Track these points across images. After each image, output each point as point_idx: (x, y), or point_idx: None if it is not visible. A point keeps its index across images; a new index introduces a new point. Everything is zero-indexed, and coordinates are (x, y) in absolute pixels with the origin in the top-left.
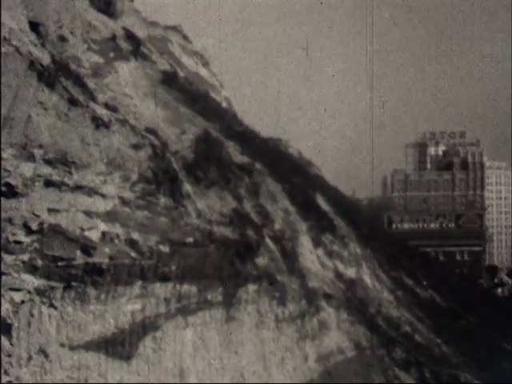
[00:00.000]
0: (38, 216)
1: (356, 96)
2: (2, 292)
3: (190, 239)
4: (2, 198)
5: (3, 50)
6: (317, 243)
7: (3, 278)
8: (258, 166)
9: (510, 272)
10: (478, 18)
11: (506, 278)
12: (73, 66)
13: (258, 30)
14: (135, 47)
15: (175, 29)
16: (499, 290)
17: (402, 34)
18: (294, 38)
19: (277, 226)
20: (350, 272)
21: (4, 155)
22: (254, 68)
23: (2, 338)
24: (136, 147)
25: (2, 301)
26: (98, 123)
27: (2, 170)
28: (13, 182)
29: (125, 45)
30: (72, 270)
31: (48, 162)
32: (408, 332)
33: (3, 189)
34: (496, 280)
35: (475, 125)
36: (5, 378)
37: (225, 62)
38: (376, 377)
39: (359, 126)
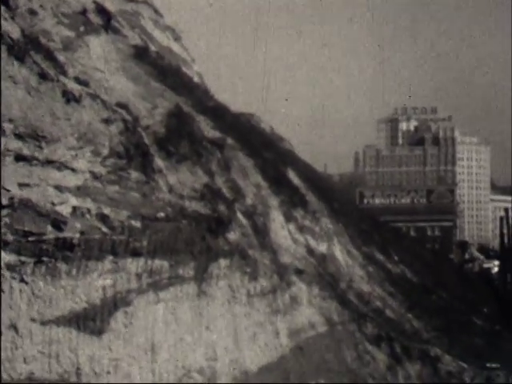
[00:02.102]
0: (8, 191)
1: (331, 71)
2: None
3: (162, 214)
4: None
5: None
6: (288, 218)
7: None
8: (229, 141)
9: (481, 247)
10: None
11: (476, 254)
12: (43, 40)
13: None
14: (106, 21)
15: (146, 3)
16: (470, 265)
17: (381, 11)
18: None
19: (248, 201)
20: (322, 247)
21: None
22: (227, 42)
23: None
24: (107, 122)
25: None
26: (69, 97)
27: None
28: None
29: (95, 19)
30: (43, 245)
31: (18, 137)
32: (379, 307)
33: None
34: (467, 255)
35: (448, 100)
36: None
37: (199, 35)
38: (347, 351)
39: (333, 100)
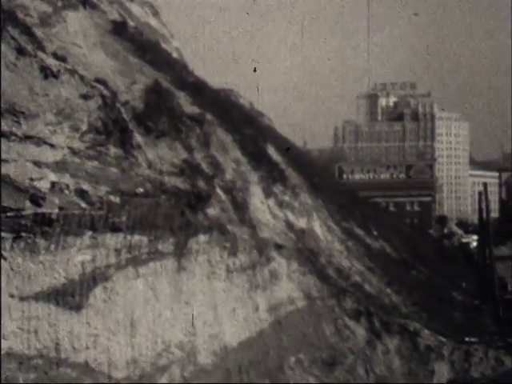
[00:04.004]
0: None
1: (310, 46)
2: None
3: (141, 190)
4: None
5: None
6: (268, 194)
7: None
8: (208, 116)
9: (460, 222)
10: None
11: (455, 228)
12: (20, 15)
13: None
14: None
15: None
16: (449, 240)
17: None
18: None
19: (228, 177)
20: (301, 222)
21: None
22: (205, 20)
23: None
24: (85, 97)
25: None
26: (47, 73)
27: None
28: None
29: None
30: (21, 221)
31: None
32: (358, 282)
33: None
34: (446, 230)
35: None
36: None
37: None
38: (326, 326)
39: (311, 76)
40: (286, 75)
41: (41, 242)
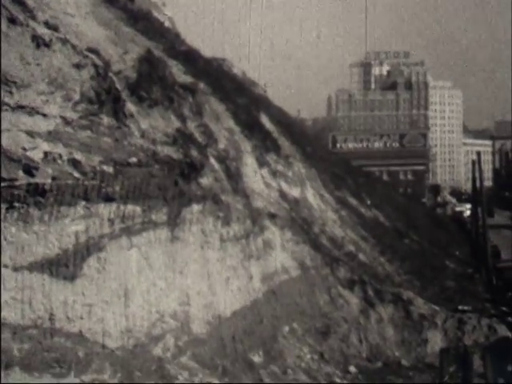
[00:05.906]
0: None
1: (304, 16)
2: None
3: (134, 159)
4: None
5: None
6: (261, 163)
7: None
8: (201, 85)
9: (453, 191)
10: None
11: (448, 197)
12: None
13: None
14: None
15: None
16: (442, 208)
17: None
18: None
19: (221, 146)
20: (295, 192)
21: None
22: None
23: None
24: (78, 67)
25: None
26: (39, 42)
27: None
28: None
29: None
30: (14, 191)
31: None
32: (352, 251)
33: None
34: (439, 199)
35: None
36: None
37: None
38: (320, 295)
39: (306, 45)
40: (280, 43)
41: (34, 212)
